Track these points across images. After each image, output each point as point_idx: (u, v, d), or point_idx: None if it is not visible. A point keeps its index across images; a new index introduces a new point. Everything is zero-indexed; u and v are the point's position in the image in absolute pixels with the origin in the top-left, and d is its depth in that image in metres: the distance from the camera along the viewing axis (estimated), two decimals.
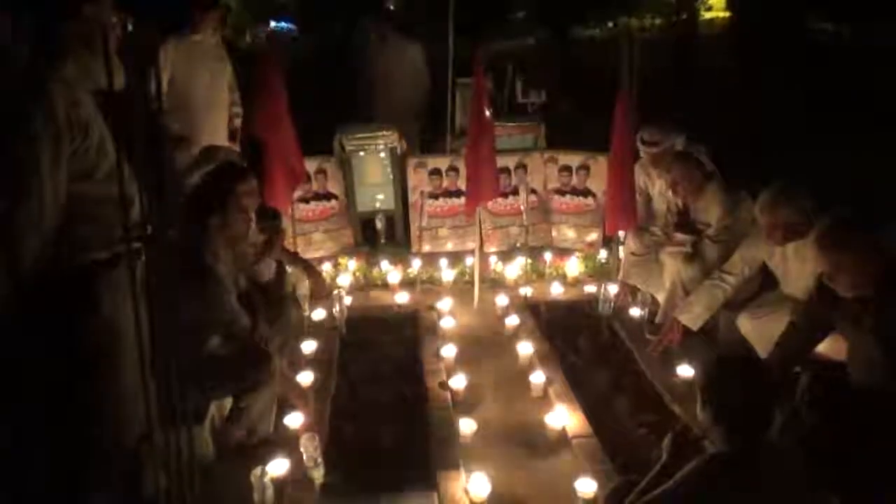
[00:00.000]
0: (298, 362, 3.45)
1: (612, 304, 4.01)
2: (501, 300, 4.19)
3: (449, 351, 3.56)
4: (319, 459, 2.67)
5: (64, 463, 2.06)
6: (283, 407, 3.03)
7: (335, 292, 3.98)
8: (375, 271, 4.67)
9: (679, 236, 3.88)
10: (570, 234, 5.10)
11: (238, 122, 4.61)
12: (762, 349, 3.19)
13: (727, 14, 25.90)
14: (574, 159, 5.02)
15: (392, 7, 5.32)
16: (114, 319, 2.02)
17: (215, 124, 4.39)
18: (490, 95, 4.51)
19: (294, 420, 2.95)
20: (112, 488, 2.14)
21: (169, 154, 4.03)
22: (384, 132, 4.91)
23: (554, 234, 5.15)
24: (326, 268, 4.66)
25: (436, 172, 4.98)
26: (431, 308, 4.16)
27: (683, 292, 3.70)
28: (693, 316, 3.48)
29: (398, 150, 4.96)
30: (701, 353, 3.38)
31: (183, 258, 2.58)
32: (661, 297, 3.95)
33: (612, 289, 4.07)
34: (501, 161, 4.78)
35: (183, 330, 1.78)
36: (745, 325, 3.32)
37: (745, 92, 11.35)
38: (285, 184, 4.27)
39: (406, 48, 5.32)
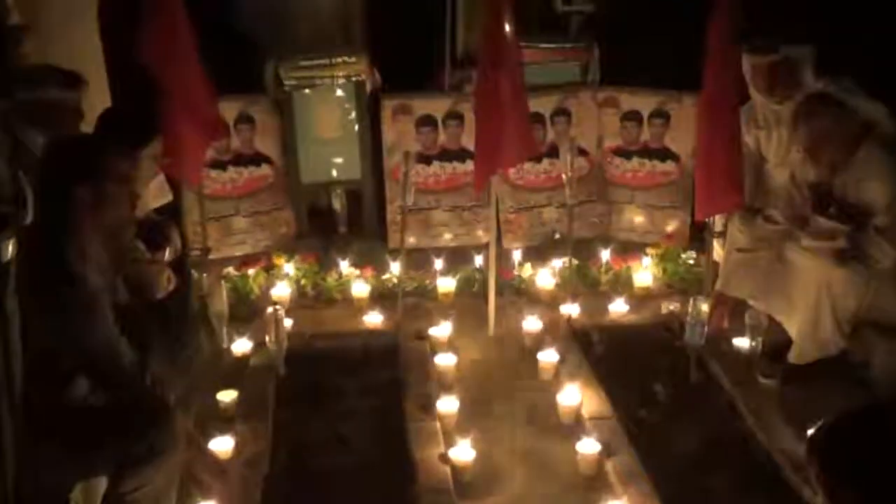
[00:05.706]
0: (212, 420, 3.48)
1: (706, 328, 4.04)
2: (531, 324, 4.23)
3: (449, 404, 3.60)
4: None
5: None
6: (190, 489, 3.05)
7: (269, 310, 3.99)
8: (332, 278, 4.71)
9: (822, 221, 3.86)
10: (639, 219, 5.14)
11: None
12: None
13: None
14: (645, 102, 5.06)
15: None
16: None
17: (75, 44, 4.38)
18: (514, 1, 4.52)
19: None
20: None
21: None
22: (344, 59, 4.94)
23: (614, 219, 5.19)
24: (252, 273, 4.68)
25: (428, 122, 5.01)
26: (421, 337, 4.20)
27: (837, 315, 3.69)
28: None
29: (367, 87, 4.99)
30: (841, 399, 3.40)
31: (33, 256, 2.60)
32: (785, 320, 3.96)
33: (706, 306, 4.09)
34: (532, 104, 4.81)
35: (35, 368, 1.79)
36: None
37: None
38: (193, 142, 4.27)
39: None
